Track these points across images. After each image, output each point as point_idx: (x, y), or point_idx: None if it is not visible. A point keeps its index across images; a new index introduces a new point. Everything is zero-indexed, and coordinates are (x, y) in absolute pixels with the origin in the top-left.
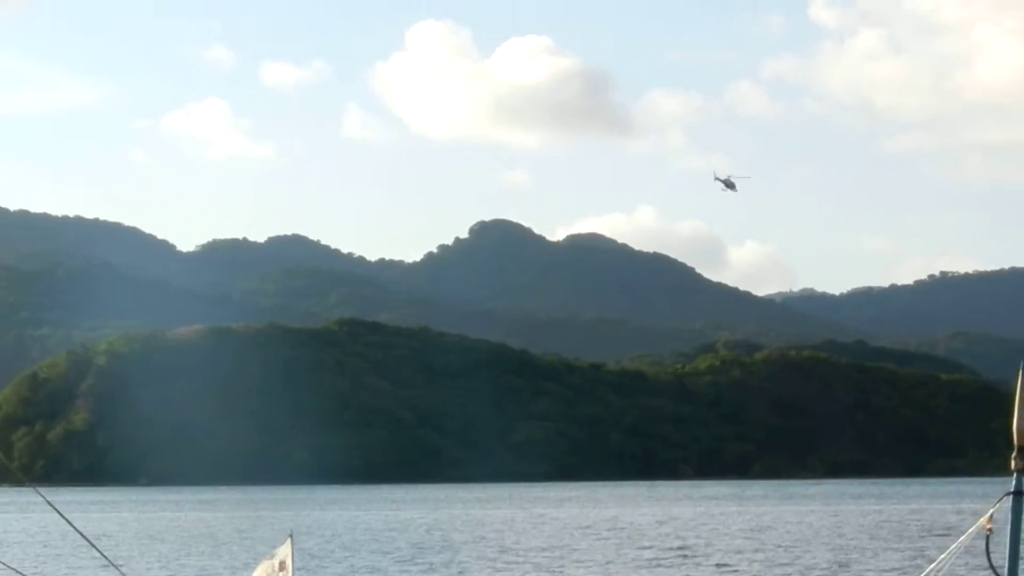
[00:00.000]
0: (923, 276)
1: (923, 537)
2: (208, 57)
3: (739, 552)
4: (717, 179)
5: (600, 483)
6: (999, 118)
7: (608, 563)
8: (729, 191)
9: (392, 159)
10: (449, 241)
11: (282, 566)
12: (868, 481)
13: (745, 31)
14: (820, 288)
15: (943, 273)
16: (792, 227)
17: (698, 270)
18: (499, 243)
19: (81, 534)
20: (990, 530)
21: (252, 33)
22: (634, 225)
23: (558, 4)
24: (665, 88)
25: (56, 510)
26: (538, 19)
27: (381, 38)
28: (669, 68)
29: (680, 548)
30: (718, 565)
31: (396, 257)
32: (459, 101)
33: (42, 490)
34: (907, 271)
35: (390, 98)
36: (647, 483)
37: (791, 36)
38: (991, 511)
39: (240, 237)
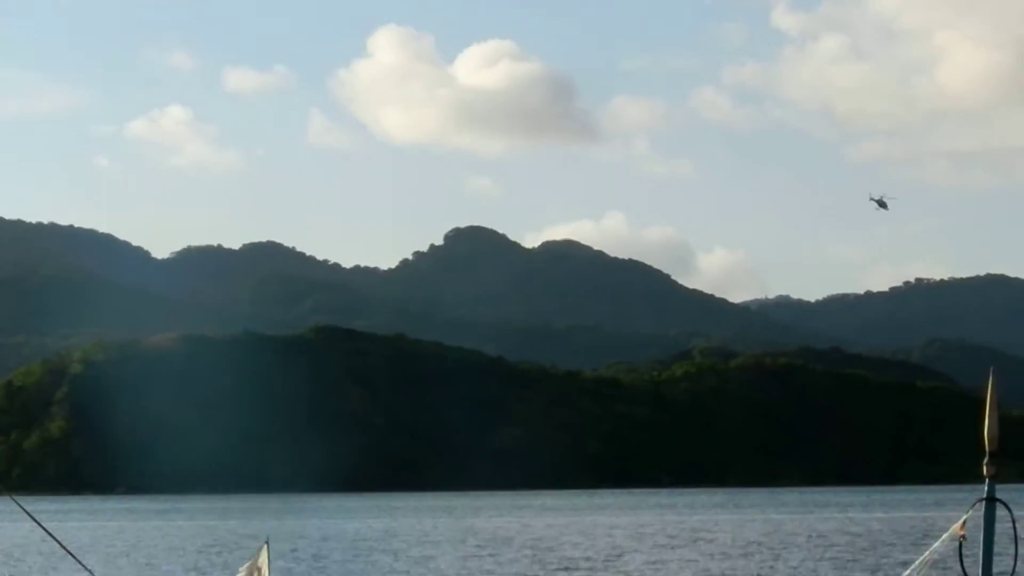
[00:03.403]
0: (897, 283)
1: (896, 545)
2: (169, 63)
3: (693, 561)
4: (871, 199)
5: (575, 491)
6: (962, 125)
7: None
8: (882, 210)
9: (358, 165)
10: (424, 248)
11: (259, 573)
12: (843, 489)
13: (708, 37)
14: (795, 295)
15: (917, 280)
16: (760, 233)
17: (673, 277)
18: (474, 250)
19: (58, 541)
20: (963, 537)
21: (213, 39)
22: (603, 231)
23: (520, 8)
24: (629, 94)
25: (33, 518)
26: (500, 24)
27: (343, 44)
28: (632, 74)
29: (615, 557)
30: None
31: (371, 264)
32: (422, 107)
33: (18, 498)
34: (880, 278)
35: (353, 104)
36: (624, 491)
37: (753, 42)
38: (964, 518)
39: (215, 244)
